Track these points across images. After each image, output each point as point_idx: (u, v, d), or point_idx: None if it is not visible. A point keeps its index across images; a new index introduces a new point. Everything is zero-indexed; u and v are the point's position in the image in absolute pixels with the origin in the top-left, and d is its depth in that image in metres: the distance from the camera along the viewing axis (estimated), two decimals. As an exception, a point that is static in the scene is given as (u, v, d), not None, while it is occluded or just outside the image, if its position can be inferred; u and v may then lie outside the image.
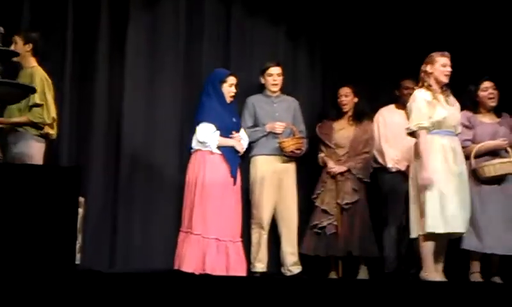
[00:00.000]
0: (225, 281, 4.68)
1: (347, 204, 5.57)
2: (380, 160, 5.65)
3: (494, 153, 5.25)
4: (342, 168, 5.60)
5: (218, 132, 5.24)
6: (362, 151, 5.68)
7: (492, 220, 5.20)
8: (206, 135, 5.20)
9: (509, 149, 5.21)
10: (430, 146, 4.81)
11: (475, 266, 5.25)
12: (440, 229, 4.76)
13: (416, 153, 4.88)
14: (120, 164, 5.37)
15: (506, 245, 5.19)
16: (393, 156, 5.57)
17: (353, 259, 5.60)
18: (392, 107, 5.75)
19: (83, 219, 4.84)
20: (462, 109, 5.23)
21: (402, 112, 5.56)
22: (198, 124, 5.26)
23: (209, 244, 5.11)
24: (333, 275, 5.61)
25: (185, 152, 5.40)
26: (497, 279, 5.28)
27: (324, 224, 5.56)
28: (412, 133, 4.94)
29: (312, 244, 5.58)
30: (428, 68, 4.89)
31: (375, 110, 5.77)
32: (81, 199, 4.65)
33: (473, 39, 6.02)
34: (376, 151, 5.67)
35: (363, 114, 5.73)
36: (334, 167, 5.61)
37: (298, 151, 5.48)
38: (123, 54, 5.42)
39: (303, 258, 5.55)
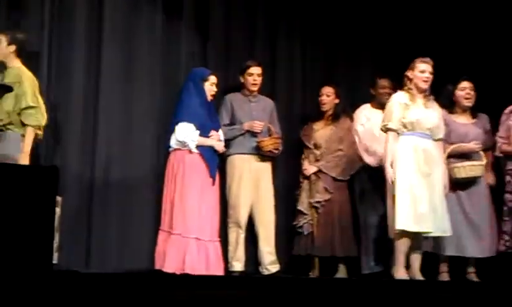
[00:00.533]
0: (205, 280, 4.68)
1: (318, 202, 5.64)
2: (365, 158, 5.68)
3: (467, 155, 5.33)
4: (313, 168, 5.64)
5: (198, 132, 5.23)
6: (336, 149, 5.71)
7: (462, 223, 5.30)
8: (185, 134, 5.19)
9: (481, 152, 5.27)
10: (402, 147, 4.92)
11: (444, 266, 5.36)
12: (411, 228, 4.83)
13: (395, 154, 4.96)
14: (96, 163, 5.32)
15: (474, 249, 5.29)
16: (369, 158, 5.62)
17: (332, 258, 5.64)
18: (367, 106, 5.79)
19: (60, 218, 4.80)
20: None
21: (380, 111, 5.63)
22: (177, 123, 5.24)
23: (189, 244, 5.09)
24: (312, 274, 5.64)
25: (162, 151, 5.37)
26: (473, 277, 5.36)
27: (301, 223, 5.61)
28: (384, 132, 5.06)
29: (296, 243, 5.67)
30: (409, 74, 5.02)
31: (353, 109, 5.82)
32: (58, 199, 4.62)
33: (457, 41, 6.11)
34: (361, 149, 5.70)
35: (342, 112, 5.77)
36: (306, 168, 5.65)
37: (276, 151, 5.50)
38: (100, 53, 5.36)
39: (282, 257, 5.59)
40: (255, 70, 5.57)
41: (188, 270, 5.00)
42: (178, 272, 5.00)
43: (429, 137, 5.01)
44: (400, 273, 4.89)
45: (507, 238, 5.23)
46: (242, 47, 5.88)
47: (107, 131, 5.36)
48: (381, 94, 5.69)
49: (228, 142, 5.50)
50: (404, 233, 4.88)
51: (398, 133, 4.97)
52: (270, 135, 5.52)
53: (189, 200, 5.12)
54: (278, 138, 5.52)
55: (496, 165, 5.44)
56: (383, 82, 5.71)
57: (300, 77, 6.09)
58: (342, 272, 5.64)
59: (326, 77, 5.98)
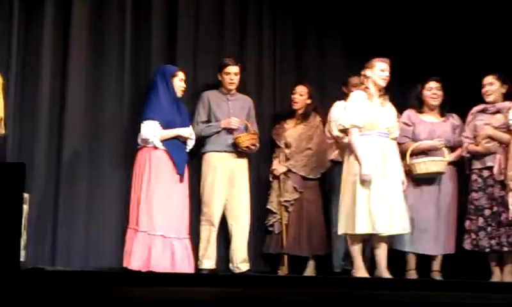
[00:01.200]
0: (172, 278, 4.66)
1: (287, 201, 5.65)
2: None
3: (432, 152, 5.39)
4: (283, 168, 5.66)
5: (160, 128, 5.17)
6: (306, 148, 5.73)
7: (426, 221, 5.36)
8: (149, 131, 5.15)
9: (444, 149, 5.35)
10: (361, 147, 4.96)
11: (411, 264, 5.41)
12: (368, 230, 4.89)
13: (349, 151, 4.99)
14: (63, 161, 5.27)
15: (438, 246, 5.36)
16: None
17: (302, 256, 5.68)
18: (341, 103, 5.83)
19: (27, 215, 4.74)
20: (408, 107, 5.43)
21: None
22: (142, 121, 5.20)
23: (154, 241, 5.07)
24: (281, 271, 5.65)
25: (130, 149, 5.32)
26: (437, 276, 5.42)
27: (271, 222, 5.64)
28: (344, 131, 5.06)
29: (267, 242, 5.71)
30: (367, 72, 5.06)
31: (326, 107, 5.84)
32: (26, 196, 4.56)
33: (426, 41, 6.16)
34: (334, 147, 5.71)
35: (312, 111, 5.78)
36: (276, 167, 5.68)
37: (253, 147, 5.49)
38: (67, 50, 5.31)
39: (254, 255, 5.62)
40: (232, 69, 5.55)
41: (152, 268, 4.98)
42: (143, 270, 4.97)
43: (386, 136, 5.07)
44: (360, 272, 4.93)
45: (473, 236, 5.29)
46: (212, 45, 5.86)
47: (75, 128, 5.31)
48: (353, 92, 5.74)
49: (204, 140, 5.49)
50: (362, 235, 4.94)
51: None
52: (247, 132, 5.51)
53: (154, 197, 5.08)
54: (254, 134, 5.51)
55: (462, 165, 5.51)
56: (355, 80, 5.74)
57: (271, 75, 6.08)
58: (310, 270, 5.66)
59: (297, 76, 5.99)
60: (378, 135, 5.01)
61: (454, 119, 5.53)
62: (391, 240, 5.15)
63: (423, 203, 5.40)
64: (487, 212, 5.24)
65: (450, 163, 5.42)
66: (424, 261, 5.46)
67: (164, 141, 5.17)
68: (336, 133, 5.29)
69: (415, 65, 6.03)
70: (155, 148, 5.17)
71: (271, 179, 5.73)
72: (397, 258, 5.34)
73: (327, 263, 5.66)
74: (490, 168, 5.25)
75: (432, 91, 5.50)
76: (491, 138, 5.26)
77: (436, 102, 5.51)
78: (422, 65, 5.99)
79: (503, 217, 5.17)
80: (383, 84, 5.07)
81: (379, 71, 5.04)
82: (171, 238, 5.11)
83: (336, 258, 5.62)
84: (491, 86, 5.34)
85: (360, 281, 4.74)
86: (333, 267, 5.63)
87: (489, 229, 5.22)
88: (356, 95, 5.06)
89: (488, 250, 5.23)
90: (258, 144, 5.53)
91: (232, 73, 5.55)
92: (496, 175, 5.20)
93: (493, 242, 5.20)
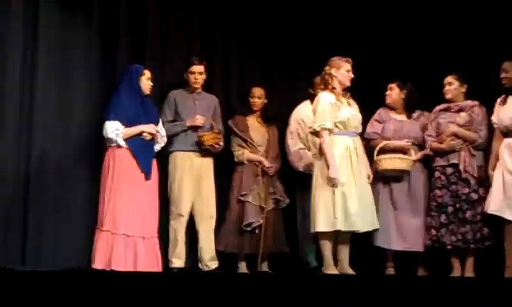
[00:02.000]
0: (136, 277, 4.68)
1: (277, 199, 5.71)
2: (291, 163, 5.76)
3: (399, 151, 5.47)
4: (276, 168, 5.72)
5: (122, 127, 5.17)
6: (277, 153, 5.81)
7: (400, 218, 5.46)
8: (110, 131, 5.16)
9: (411, 147, 5.46)
10: (335, 148, 5.03)
11: (389, 260, 5.52)
12: (341, 227, 4.97)
13: (320, 153, 5.07)
14: (31, 160, 5.26)
15: (412, 242, 5.44)
16: (305, 162, 5.66)
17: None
18: (307, 104, 5.91)
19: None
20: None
21: None
22: (104, 121, 5.20)
23: (117, 240, 5.08)
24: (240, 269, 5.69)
25: (99, 149, 5.32)
26: (421, 272, 5.53)
27: (261, 221, 5.62)
28: (315, 133, 5.13)
29: (241, 241, 5.63)
30: (333, 72, 5.11)
31: (291, 106, 5.91)
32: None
33: (395, 41, 6.24)
34: (288, 154, 5.77)
35: (271, 115, 5.85)
36: (272, 166, 5.70)
37: (217, 146, 5.53)
38: (36, 50, 5.30)
39: (221, 253, 5.62)
40: (197, 68, 5.58)
41: (114, 267, 5.00)
42: (107, 269, 5.00)
43: (356, 135, 5.17)
44: (330, 269, 5.00)
45: (433, 232, 5.39)
46: (180, 44, 5.89)
47: (43, 128, 5.30)
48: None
49: (170, 139, 5.50)
50: (332, 233, 5.00)
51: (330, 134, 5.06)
52: (212, 130, 5.53)
53: (118, 196, 5.10)
54: (219, 133, 5.54)
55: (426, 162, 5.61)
56: (319, 80, 5.81)
57: (237, 75, 6.11)
58: (265, 266, 5.70)
59: (262, 77, 6.03)
60: (349, 134, 5.11)
61: (425, 117, 5.64)
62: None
63: (394, 200, 5.50)
64: (450, 209, 5.34)
65: (419, 161, 5.52)
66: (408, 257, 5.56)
67: (128, 140, 5.19)
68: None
69: (376, 65, 6.10)
70: (119, 147, 5.18)
71: (258, 173, 5.67)
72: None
73: (290, 261, 5.73)
74: (454, 165, 5.36)
75: (387, 91, 5.64)
76: (456, 136, 5.37)
77: (388, 100, 5.62)
78: (384, 65, 6.06)
79: (468, 214, 5.28)
80: (349, 84, 5.16)
81: (345, 72, 5.12)
82: (134, 238, 5.12)
83: (303, 255, 5.69)
84: (450, 85, 5.47)
85: (332, 277, 4.83)
86: (300, 265, 5.69)
87: (451, 226, 5.33)
88: (324, 96, 5.10)
89: (449, 247, 5.33)
90: (222, 143, 5.56)
91: (197, 72, 5.58)
92: (462, 172, 5.31)
93: (454, 238, 5.30)
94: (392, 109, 5.65)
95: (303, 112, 5.74)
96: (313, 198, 5.07)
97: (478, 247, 5.28)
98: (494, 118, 5.23)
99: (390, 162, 5.38)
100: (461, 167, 5.31)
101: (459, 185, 5.33)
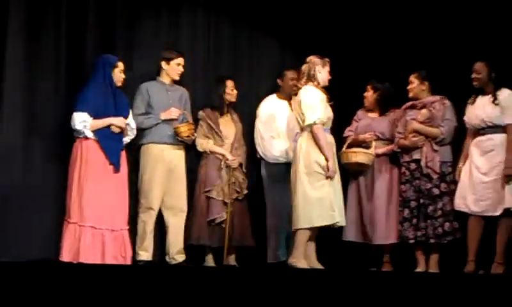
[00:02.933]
0: (102, 270, 4.69)
1: (239, 193, 5.71)
2: (262, 152, 5.82)
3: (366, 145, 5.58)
4: (238, 161, 5.73)
5: (91, 119, 5.17)
6: (242, 144, 5.83)
7: (373, 211, 5.54)
8: (78, 123, 5.14)
9: (373, 143, 5.54)
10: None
11: (386, 257, 5.58)
12: (339, 220, 5.09)
13: (309, 146, 5.11)
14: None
15: (383, 236, 5.53)
16: (281, 148, 5.75)
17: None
18: (273, 97, 5.93)
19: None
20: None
21: (285, 102, 5.80)
22: (73, 113, 5.19)
23: (84, 232, 5.07)
24: (210, 262, 5.71)
25: (68, 141, 5.29)
26: (387, 267, 5.61)
27: (225, 217, 5.63)
28: (306, 127, 5.15)
29: (208, 235, 5.63)
30: (317, 69, 5.18)
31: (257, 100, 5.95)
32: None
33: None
34: (259, 143, 5.82)
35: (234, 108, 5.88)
36: (234, 159, 5.71)
37: (192, 137, 5.54)
38: (4, 42, 5.26)
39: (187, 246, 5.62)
40: (182, 61, 5.61)
41: (82, 260, 5.00)
42: (74, 261, 5.00)
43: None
44: (301, 262, 5.06)
45: (399, 227, 5.48)
46: (148, 37, 5.87)
47: (10, 120, 5.26)
48: (290, 86, 5.83)
49: (142, 131, 5.49)
50: (313, 228, 5.07)
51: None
52: (187, 122, 5.54)
53: (85, 188, 5.10)
54: (193, 125, 5.56)
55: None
56: (292, 74, 5.85)
57: (204, 68, 6.10)
58: (232, 260, 5.73)
59: (231, 70, 6.05)
60: (329, 131, 5.23)
61: (395, 113, 5.72)
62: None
63: (360, 194, 5.60)
64: (413, 204, 5.43)
65: (388, 156, 5.61)
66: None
67: (97, 131, 5.18)
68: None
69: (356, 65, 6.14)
70: (87, 138, 5.17)
71: (222, 166, 5.69)
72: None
73: (256, 254, 5.76)
74: (417, 161, 5.45)
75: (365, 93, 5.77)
76: (418, 132, 5.46)
77: (367, 103, 5.75)
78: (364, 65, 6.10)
79: (429, 210, 5.37)
80: (327, 84, 5.25)
81: (327, 72, 5.23)
82: (102, 230, 5.12)
83: (271, 249, 5.71)
84: (412, 84, 5.57)
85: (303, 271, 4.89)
86: (268, 258, 5.72)
87: (414, 220, 5.41)
88: (314, 91, 5.16)
89: (412, 241, 5.42)
90: (195, 135, 5.58)
91: (181, 65, 5.60)
92: (423, 168, 5.40)
93: (419, 233, 5.38)
94: (369, 109, 5.78)
95: (271, 105, 5.81)
96: (302, 193, 5.06)
97: (439, 242, 5.36)
98: (465, 117, 5.35)
99: (351, 155, 5.47)
100: (423, 162, 5.41)
101: (422, 180, 5.42)
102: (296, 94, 5.59)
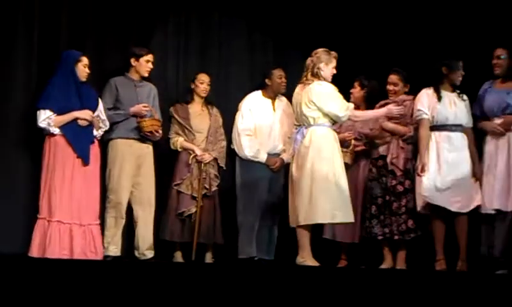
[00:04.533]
0: (69, 265, 4.67)
1: (207, 189, 5.70)
2: (236, 149, 5.83)
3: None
4: (211, 156, 5.70)
5: (54, 115, 5.15)
6: (219, 139, 5.82)
7: None
8: (42, 120, 5.14)
9: (352, 141, 5.57)
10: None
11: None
12: (336, 219, 5.06)
13: (325, 143, 5.05)
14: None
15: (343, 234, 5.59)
16: (253, 148, 5.77)
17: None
18: (259, 93, 5.93)
19: None
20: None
21: (269, 101, 5.82)
22: (36, 111, 5.18)
23: (52, 227, 5.06)
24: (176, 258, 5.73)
25: (40, 138, 5.27)
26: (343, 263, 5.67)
27: (193, 211, 5.63)
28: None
29: (177, 230, 5.65)
30: (322, 66, 5.09)
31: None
32: None
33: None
34: (235, 139, 5.83)
35: (211, 101, 5.89)
36: (204, 154, 5.70)
37: (157, 134, 5.53)
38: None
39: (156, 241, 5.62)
40: (152, 58, 5.61)
41: (48, 255, 4.99)
42: (41, 257, 4.99)
43: None
44: (310, 260, 5.00)
45: (367, 223, 5.53)
46: (119, 31, 5.85)
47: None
48: (277, 84, 5.85)
49: (111, 126, 5.48)
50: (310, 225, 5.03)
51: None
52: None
53: (53, 184, 5.10)
54: (158, 120, 5.56)
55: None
56: (279, 72, 5.87)
57: (174, 63, 6.10)
58: (209, 257, 5.78)
59: (201, 65, 6.05)
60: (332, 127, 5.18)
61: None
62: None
63: None
64: (379, 201, 5.49)
65: (363, 154, 5.66)
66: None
67: (63, 127, 5.17)
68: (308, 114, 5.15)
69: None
70: (54, 134, 5.16)
71: (191, 165, 5.70)
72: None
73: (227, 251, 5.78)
74: (383, 157, 5.50)
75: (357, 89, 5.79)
76: (385, 130, 5.52)
77: (353, 99, 5.73)
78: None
79: (394, 206, 5.43)
80: (330, 80, 5.17)
81: (332, 68, 5.13)
82: (70, 225, 5.11)
83: (242, 245, 5.72)
84: (396, 86, 5.57)
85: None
86: (239, 254, 5.73)
87: (381, 217, 5.47)
88: (329, 85, 5.07)
89: (380, 237, 5.48)
90: (161, 132, 5.57)
91: (151, 61, 5.60)
92: (388, 164, 5.45)
93: (386, 230, 5.44)
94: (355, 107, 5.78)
95: (254, 101, 5.83)
96: (307, 190, 4.97)
97: (403, 239, 5.41)
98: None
99: None
100: (388, 159, 5.46)
101: (388, 177, 5.47)
102: (283, 92, 5.75)
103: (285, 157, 5.81)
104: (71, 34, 5.60)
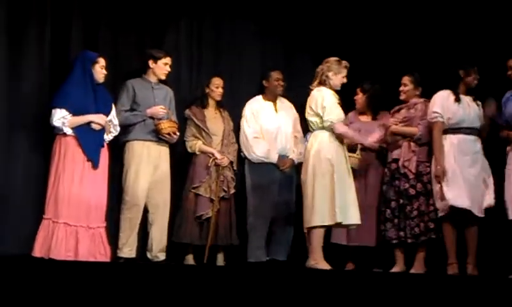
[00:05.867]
0: (77, 266, 4.68)
1: (225, 192, 5.71)
2: (246, 152, 5.85)
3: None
4: (228, 160, 5.74)
5: (70, 115, 5.16)
6: (231, 142, 5.85)
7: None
8: (56, 119, 5.14)
9: (359, 145, 5.54)
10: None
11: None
12: (351, 220, 5.10)
13: (328, 145, 5.09)
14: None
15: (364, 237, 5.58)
16: (264, 148, 5.78)
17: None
18: (259, 98, 5.95)
19: None
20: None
21: (270, 103, 5.81)
22: (51, 109, 5.19)
23: (58, 228, 5.07)
24: (190, 260, 5.73)
25: (50, 137, 5.28)
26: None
27: (211, 214, 5.64)
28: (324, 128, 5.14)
29: (196, 233, 5.65)
30: (330, 74, 5.16)
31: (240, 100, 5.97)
32: None
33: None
34: (243, 143, 5.85)
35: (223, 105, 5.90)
36: (223, 157, 5.72)
37: (174, 136, 5.54)
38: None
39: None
40: (170, 60, 5.62)
41: (53, 256, 4.99)
42: (46, 257, 5.00)
43: None
44: (322, 263, 5.03)
45: (382, 227, 5.54)
46: (131, 35, 5.87)
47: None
48: (275, 86, 5.87)
49: (127, 128, 5.50)
50: (324, 226, 5.06)
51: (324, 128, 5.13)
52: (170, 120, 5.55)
53: (61, 185, 5.10)
54: (175, 123, 5.57)
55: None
56: (277, 75, 5.88)
57: (187, 65, 6.11)
58: (221, 259, 5.78)
59: (214, 69, 6.06)
60: None
61: (385, 117, 5.76)
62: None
63: None
64: (393, 204, 5.50)
65: (377, 158, 5.68)
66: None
67: (76, 128, 5.17)
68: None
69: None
70: (66, 135, 5.17)
71: (210, 168, 5.70)
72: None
73: (238, 254, 5.79)
74: (396, 161, 5.51)
75: (360, 95, 5.82)
76: (395, 133, 5.53)
77: (358, 105, 5.79)
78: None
79: (407, 210, 5.42)
80: (339, 88, 5.23)
81: (341, 77, 5.19)
82: (76, 227, 5.11)
83: (252, 248, 5.73)
84: (405, 86, 5.58)
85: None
86: (247, 257, 5.74)
87: (396, 220, 5.47)
88: (330, 93, 5.14)
89: (395, 241, 5.47)
90: (178, 134, 5.58)
91: (169, 64, 5.62)
92: (400, 168, 5.45)
93: (401, 233, 5.43)
94: (361, 111, 5.82)
95: (256, 105, 5.87)
96: (312, 192, 5.03)
97: (416, 242, 5.40)
98: None
99: None
100: (400, 162, 5.46)
101: (402, 180, 5.48)
102: (281, 94, 5.74)
103: (295, 157, 5.83)
104: (84, 35, 5.61)
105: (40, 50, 5.44)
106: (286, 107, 5.96)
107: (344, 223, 5.08)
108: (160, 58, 5.60)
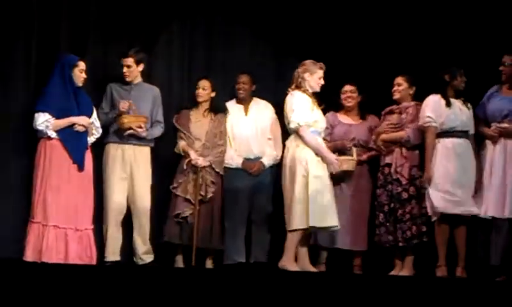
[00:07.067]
0: (67, 269, 4.67)
1: (203, 195, 5.64)
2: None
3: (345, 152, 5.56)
4: (206, 162, 5.68)
5: (53, 119, 5.14)
6: (217, 144, 5.79)
7: (345, 217, 5.51)
8: (40, 123, 5.13)
9: (354, 149, 5.52)
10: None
11: (323, 257, 5.63)
12: (328, 223, 5.10)
13: (302, 148, 5.09)
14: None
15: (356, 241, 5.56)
16: (230, 153, 5.75)
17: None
18: (233, 101, 5.90)
19: None
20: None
21: (241, 107, 5.84)
22: (34, 113, 5.17)
23: (47, 231, 5.05)
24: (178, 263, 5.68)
25: (34, 141, 5.25)
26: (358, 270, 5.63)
27: (187, 214, 5.62)
28: (292, 130, 5.16)
29: (176, 232, 5.60)
30: (306, 76, 5.17)
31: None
32: None
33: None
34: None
35: (218, 107, 5.83)
36: (198, 159, 5.67)
37: (139, 129, 5.45)
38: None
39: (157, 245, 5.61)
40: (126, 61, 5.55)
41: (44, 259, 4.97)
42: (38, 261, 4.97)
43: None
44: (292, 265, 5.06)
45: (376, 231, 5.50)
46: (124, 36, 5.83)
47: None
48: (237, 89, 5.86)
49: (107, 130, 5.47)
50: (304, 229, 5.06)
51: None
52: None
53: (48, 187, 5.08)
54: (141, 117, 5.49)
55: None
56: (243, 78, 5.84)
57: (180, 67, 6.07)
58: (209, 263, 5.72)
59: (206, 70, 6.02)
60: (318, 134, 5.21)
61: (373, 120, 5.73)
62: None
63: (340, 200, 5.51)
64: (386, 208, 5.46)
65: (366, 162, 5.64)
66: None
67: (60, 131, 5.16)
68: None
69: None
70: (50, 138, 5.15)
71: (187, 169, 5.66)
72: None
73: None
74: (389, 165, 5.47)
75: (347, 94, 5.74)
76: (385, 141, 5.49)
77: (349, 103, 5.72)
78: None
79: (398, 213, 5.39)
80: (318, 90, 5.24)
81: (318, 78, 5.20)
82: (65, 229, 5.09)
83: (228, 251, 5.67)
84: (399, 86, 5.55)
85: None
86: (223, 260, 5.68)
87: (387, 224, 5.43)
88: (300, 95, 5.15)
89: (387, 245, 5.44)
90: (144, 127, 5.48)
91: (125, 66, 5.56)
92: (393, 173, 5.42)
93: (390, 237, 5.40)
94: (347, 111, 5.74)
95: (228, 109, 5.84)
96: (289, 196, 5.07)
97: (408, 245, 5.37)
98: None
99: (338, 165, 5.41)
100: (392, 168, 5.44)
101: (394, 184, 5.44)
102: (243, 97, 5.78)
103: (265, 160, 5.78)
104: (72, 40, 5.59)
105: (26, 55, 5.43)
106: (260, 109, 5.87)
107: (318, 226, 5.08)
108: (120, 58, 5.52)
